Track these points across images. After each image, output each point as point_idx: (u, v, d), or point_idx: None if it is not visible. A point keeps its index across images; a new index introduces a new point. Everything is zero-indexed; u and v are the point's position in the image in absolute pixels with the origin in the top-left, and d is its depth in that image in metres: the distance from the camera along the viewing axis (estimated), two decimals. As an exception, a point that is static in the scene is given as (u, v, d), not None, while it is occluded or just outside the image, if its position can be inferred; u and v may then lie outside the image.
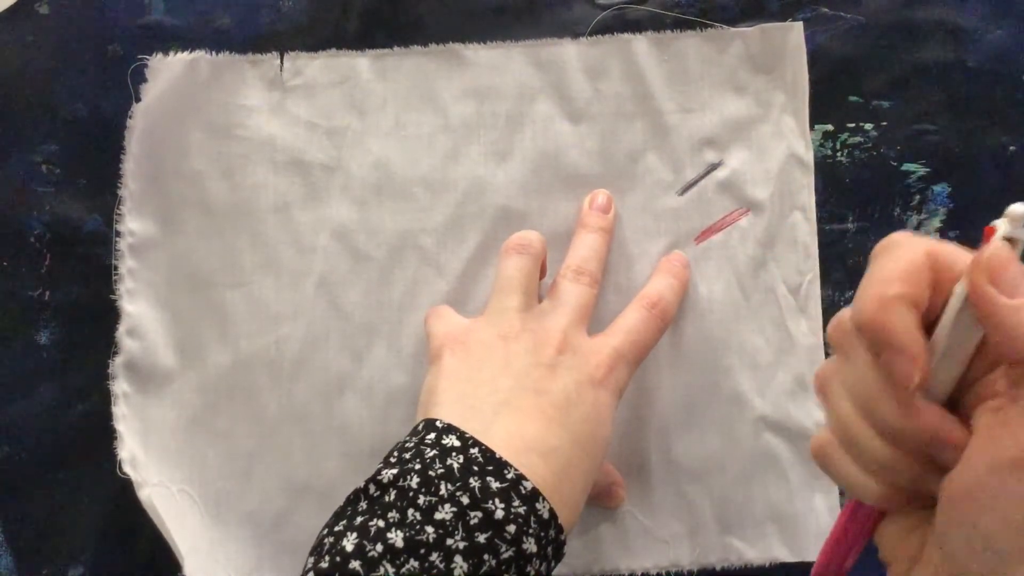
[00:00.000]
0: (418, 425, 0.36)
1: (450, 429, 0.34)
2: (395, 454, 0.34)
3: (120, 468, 0.42)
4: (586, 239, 0.42)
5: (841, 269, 0.44)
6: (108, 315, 0.44)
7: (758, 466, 0.43)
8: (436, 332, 0.40)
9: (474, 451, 0.33)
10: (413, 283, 0.44)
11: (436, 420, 0.35)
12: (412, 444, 0.34)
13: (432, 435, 0.34)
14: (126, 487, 0.42)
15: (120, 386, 0.43)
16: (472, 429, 0.34)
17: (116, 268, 0.44)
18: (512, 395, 0.36)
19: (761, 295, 0.44)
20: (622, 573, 0.43)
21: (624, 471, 0.43)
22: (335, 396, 0.44)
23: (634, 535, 0.43)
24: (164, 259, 0.44)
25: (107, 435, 0.43)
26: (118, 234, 0.44)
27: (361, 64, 0.45)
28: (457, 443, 0.34)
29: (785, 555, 0.43)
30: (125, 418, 0.43)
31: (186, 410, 0.44)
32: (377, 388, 0.44)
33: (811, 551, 0.42)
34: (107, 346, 0.44)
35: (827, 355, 0.43)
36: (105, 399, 0.43)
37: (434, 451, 0.33)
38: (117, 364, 0.44)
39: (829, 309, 0.44)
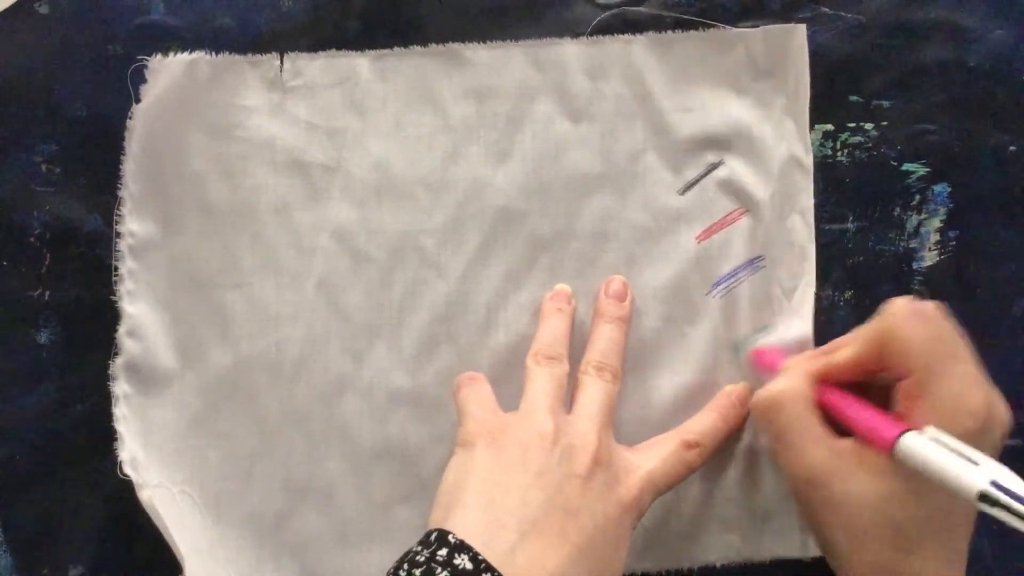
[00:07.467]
0: (431, 534, 0.34)
1: (463, 548, 0.33)
2: (404, 567, 0.33)
3: (120, 469, 0.42)
4: (604, 331, 0.42)
5: (841, 269, 0.44)
6: (108, 315, 0.44)
7: (758, 465, 0.43)
8: (472, 415, 0.39)
9: None
10: (413, 284, 0.44)
11: (449, 534, 0.34)
12: (423, 559, 0.33)
13: (444, 551, 0.33)
14: (126, 487, 0.42)
15: (120, 387, 0.43)
16: (495, 550, 0.33)
17: (116, 269, 0.44)
18: (541, 513, 0.35)
19: (757, 296, 0.44)
20: (622, 573, 0.43)
21: (624, 471, 0.43)
22: (335, 397, 0.44)
23: (634, 535, 0.43)
24: (164, 260, 0.44)
25: (107, 435, 0.43)
26: (118, 235, 0.44)
27: (361, 64, 0.45)
28: (469, 566, 0.33)
29: (785, 553, 0.43)
30: (125, 419, 0.43)
31: (187, 411, 0.44)
32: (377, 389, 0.44)
33: (811, 549, 0.42)
34: (107, 346, 0.44)
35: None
36: (105, 399, 0.43)
37: (445, 572, 0.32)
38: (117, 365, 0.44)
39: (830, 309, 0.44)
